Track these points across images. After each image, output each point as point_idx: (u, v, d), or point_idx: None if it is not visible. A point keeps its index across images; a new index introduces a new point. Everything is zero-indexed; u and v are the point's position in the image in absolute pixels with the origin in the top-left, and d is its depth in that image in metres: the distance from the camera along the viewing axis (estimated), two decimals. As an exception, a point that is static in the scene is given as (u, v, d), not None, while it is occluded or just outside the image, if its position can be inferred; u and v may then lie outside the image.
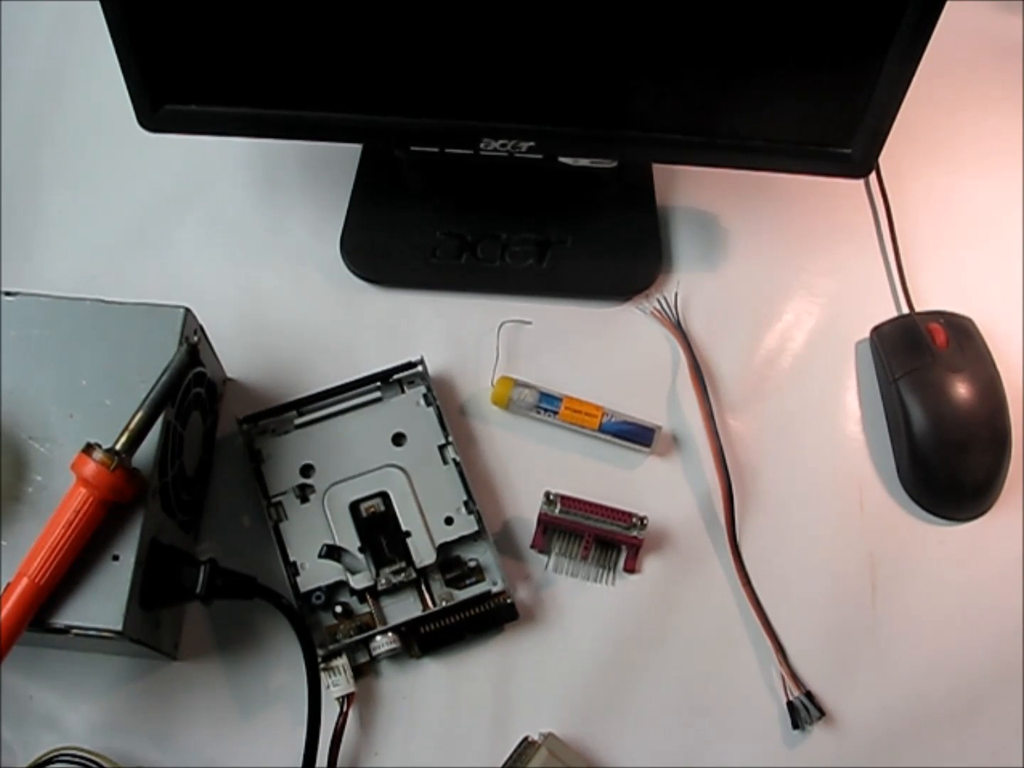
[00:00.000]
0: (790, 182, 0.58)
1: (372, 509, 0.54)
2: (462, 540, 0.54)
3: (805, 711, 0.51)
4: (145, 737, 0.51)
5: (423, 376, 0.57)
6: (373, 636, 0.51)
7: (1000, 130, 0.69)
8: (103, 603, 0.44)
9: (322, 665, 0.50)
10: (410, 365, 0.57)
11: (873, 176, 0.66)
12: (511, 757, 0.50)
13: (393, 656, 0.52)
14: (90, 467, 0.44)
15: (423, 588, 0.53)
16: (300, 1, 0.49)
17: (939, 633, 0.54)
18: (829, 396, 0.60)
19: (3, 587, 0.44)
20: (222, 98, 0.55)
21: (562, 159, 0.60)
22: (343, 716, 0.50)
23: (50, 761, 0.49)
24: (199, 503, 0.55)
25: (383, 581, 0.52)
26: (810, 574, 0.55)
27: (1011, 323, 0.62)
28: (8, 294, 0.50)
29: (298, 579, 0.52)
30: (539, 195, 0.64)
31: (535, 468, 0.57)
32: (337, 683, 0.50)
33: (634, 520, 0.54)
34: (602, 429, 0.57)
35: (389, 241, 0.63)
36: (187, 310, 0.50)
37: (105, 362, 0.49)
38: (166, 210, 0.65)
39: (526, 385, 0.58)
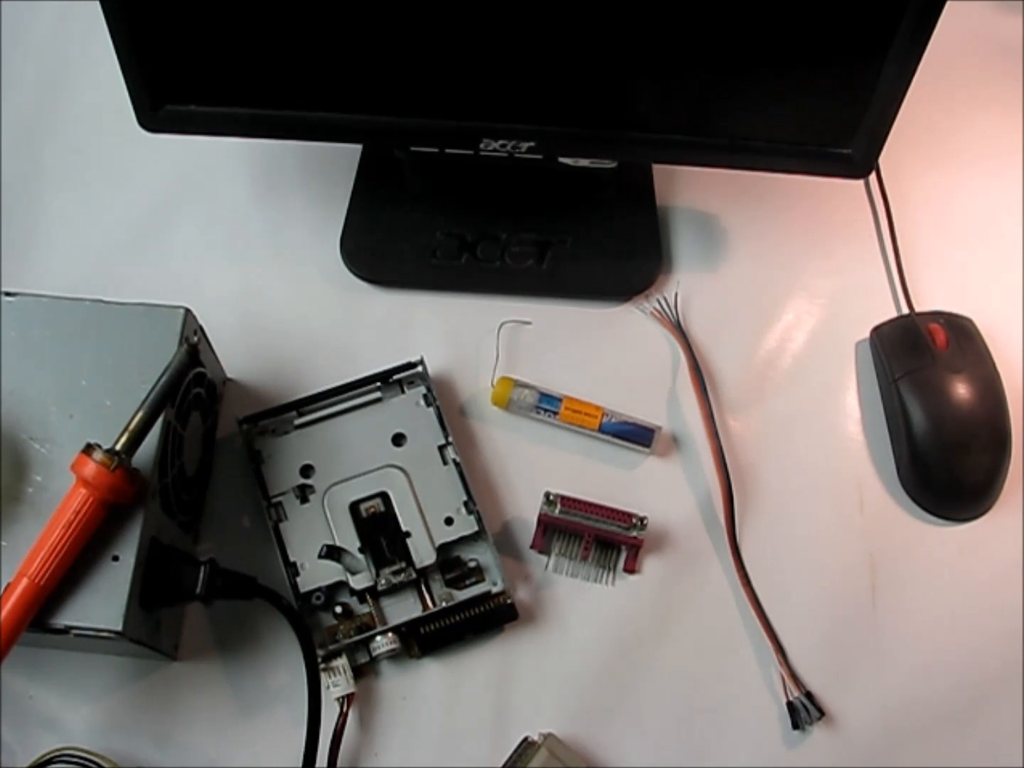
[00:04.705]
0: (790, 182, 0.58)
1: (372, 509, 0.54)
2: (462, 540, 0.54)
3: (805, 711, 0.51)
4: (145, 737, 0.51)
5: (423, 376, 0.57)
6: (373, 636, 0.51)
7: (1000, 130, 0.69)
8: (103, 603, 0.44)
9: (322, 665, 0.50)
10: (410, 365, 0.57)
11: (873, 176, 0.66)
12: (511, 757, 0.50)
13: (393, 656, 0.52)
14: (90, 467, 0.44)
15: (423, 588, 0.53)
16: (300, 2, 0.49)
17: (939, 633, 0.54)
18: (829, 396, 0.60)
19: (3, 587, 0.44)
20: (222, 98, 0.55)
21: (562, 159, 0.60)
22: (343, 716, 0.50)
23: (50, 761, 0.49)
24: (199, 503, 0.55)
25: (383, 581, 0.52)
26: (810, 574, 0.55)
27: (1011, 323, 0.62)
28: (8, 294, 0.50)
29: (298, 579, 0.52)
30: (539, 195, 0.64)
31: (535, 468, 0.57)
32: (337, 683, 0.50)
33: (634, 520, 0.54)
34: (602, 429, 0.57)
35: (389, 241, 0.63)
36: (187, 310, 0.50)
37: (105, 362, 0.49)
38: (166, 210, 0.65)
39: (526, 385, 0.58)
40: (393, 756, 0.51)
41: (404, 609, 0.53)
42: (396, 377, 0.57)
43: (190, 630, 0.53)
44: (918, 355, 0.58)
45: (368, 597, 0.52)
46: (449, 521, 0.54)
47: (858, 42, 0.49)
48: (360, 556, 0.53)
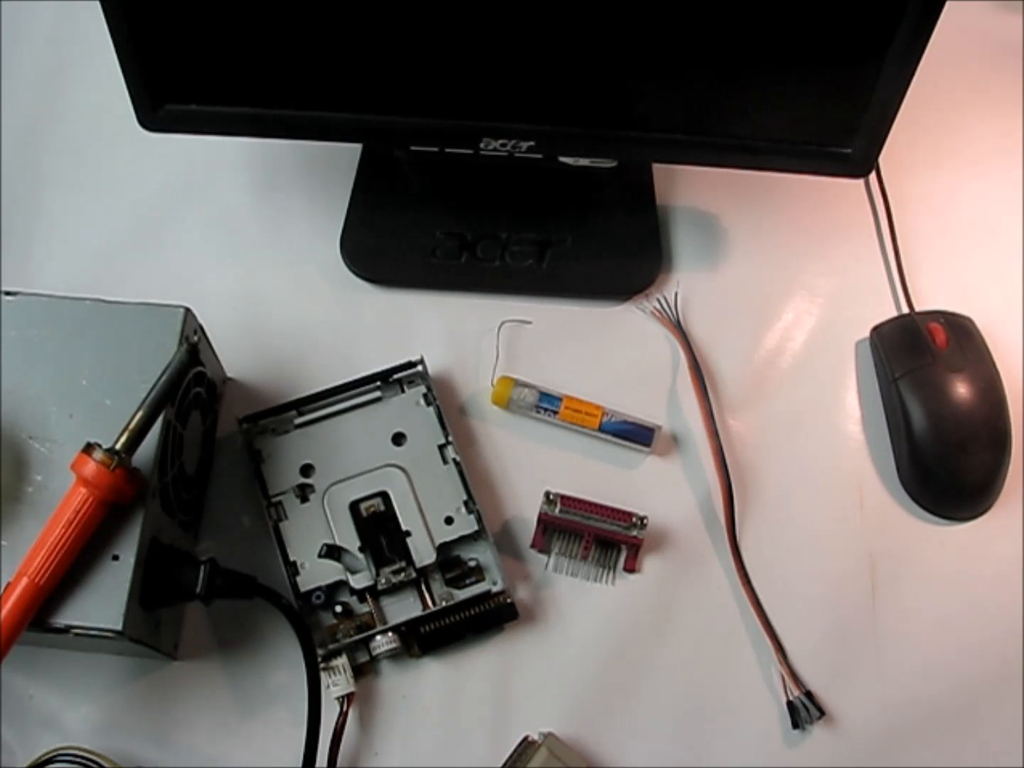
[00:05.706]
0: (790, 182, 0.58)
1: (372, 509, 0.54)
2: (462, 540, 0.54)
3: (805, 711, 0.51)
4: (145, 737, 0.51)
5: (423, 376, 0.57)
6: (373, 636, 0.51)
7: (1000, 130, 0.69)
8: (103, 603, 0.44)
9: (322, 665, 0.50)
10: (410, 365, 0.57)
11: (873, 176, 0.66)
12: (511, 757, 0.50)
13: (393, 656, 0.52)
14: (90, 467, 0.44)
15: (423, 588, 0.53)
16: (300, 1, 0.49)
17: (939, 633, 0.54)
18: (829, 396, 0.60)
19: (3, 587, 0.44)
20: (222, 98, 0.55)
21: (562, 159, 0.60)
22: (343, 716, 0.50)
23: (50, 761, 0.49)
24: (199, 503, 0.55)
25: (383, 581, 0.52)
26: (810, 574, 0.55)
27: (1011, 323, 0.62)
28: (8, 294, 0.50)
29: (298, 579, 0.52)
30: (539, 195, 0.64)
31: (535, 468, 0.57)
32: (337, 683, 0.50)
33: (634, 520, 0.54)
34: (602, 429, 0.57)
35: (389, 241, 0.63)
36: (187, 310, 0.50)
37: (105, 362, 0.49)
38: (166, 210, 0.65)
39: (526, 385, 0.58)
40: (393, 755, 0.51)
41: (404, 608, 0.53)
42: (396, 376, 0.57)
43: (190, 630, 0.53)
44: (918, 354, 0.58)
45: (368, 596, 0.52)
46: (449, 520, 0.54)
47: (858, 42, 0.49)
48: (360, 555, 0.53)
